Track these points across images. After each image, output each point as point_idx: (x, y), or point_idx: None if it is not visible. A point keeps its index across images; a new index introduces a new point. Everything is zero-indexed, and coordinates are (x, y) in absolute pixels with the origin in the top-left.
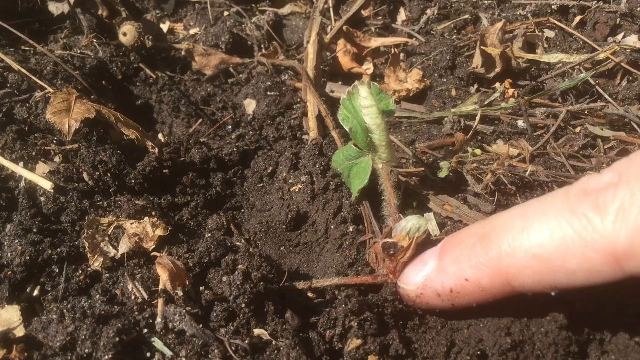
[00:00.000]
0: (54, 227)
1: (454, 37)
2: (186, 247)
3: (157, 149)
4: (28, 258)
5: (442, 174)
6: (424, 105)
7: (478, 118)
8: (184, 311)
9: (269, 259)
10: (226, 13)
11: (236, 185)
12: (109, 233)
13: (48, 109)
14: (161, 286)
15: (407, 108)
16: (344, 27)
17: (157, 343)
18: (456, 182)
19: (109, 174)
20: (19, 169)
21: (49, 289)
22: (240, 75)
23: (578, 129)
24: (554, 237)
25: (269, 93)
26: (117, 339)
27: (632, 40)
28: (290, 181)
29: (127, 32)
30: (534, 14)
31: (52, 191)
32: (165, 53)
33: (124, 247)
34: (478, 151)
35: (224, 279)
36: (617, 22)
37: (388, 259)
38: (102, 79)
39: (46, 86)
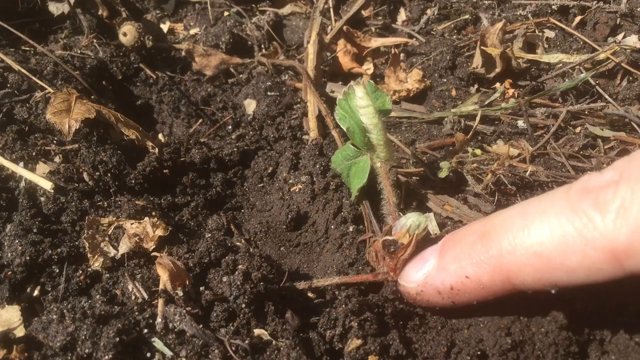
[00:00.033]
0: (54, 227)
1: (454, 37)
2: (186, 247)
3: (157, 149)
4: (28, 258)
5: (442, 174)
6: (424, 105)
7: (478, 118)
8: (184, 311)
9: (269, 259)
10: (226, 13)
11: (236, 185)
12: (109, 233)
13: (48, 109)
14: (161, 286)
15: (407, 108)
16: (344, 27)
17: (157, 343)
18: (456, 182)
19: (109, 174)
20: (19, 169)
21: (49, 289)
22: (240, 75)
23: (578, 129)
24: (554, 234)
25: (269, 93)
26: (117, 339)
27: (632, 40)
28: (290, 181)
29: (127, 32)
30: (534, 14)
31: (52, 191)
32: (165, 53)
33: (124, 247)
34: (478, 151)
35: (224, 279)
36: (617, 22)
37: (388, 256)
38: (102, 79)
39: (46, 86)
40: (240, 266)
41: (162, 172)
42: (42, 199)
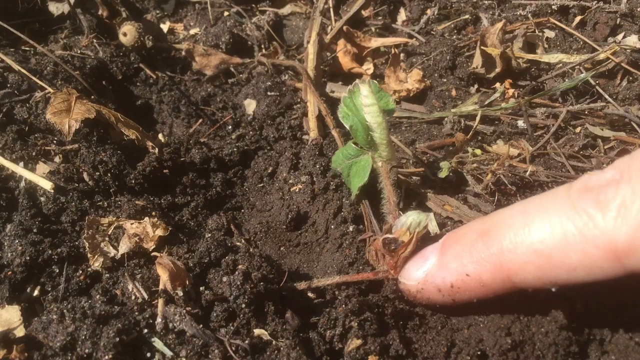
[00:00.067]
0: (54, 227)
1: (454, 37)
2: (186, 247)
3: (157, 149)
4: (28, 258)
5: (442, 174)
6: (424, 105)
7: (478, 118)
8: (184, 311)
9: (269, 259)
10: (226, 13)
11: (236, 185)
12: (109, 233)
13: (48, 109)
14: (161, 286)
15: (407, 108)
16: (344, 27)
17: (157, 343)
18: (456, 182)
19: (109, 174)
20: (19, 169)
21: (49, 289)
22: (240, 75)
23: (578, 129)
24: (554, 233)
25: (269, 93)
26: (117, 339)
27: (632, 40)
28: (290, 181)
29: (127, 32)
30: (534, 14)
31: (52, 191)
32: (165, 53)
33: (124, 247)
34: (478, 151)
35: (224, 279)
36: (617, 22)
37: (388, 254)
38: (102, 79)
39: (46, 86)
40: (240, 266)
41: (162, 172)
42: (42, 199)
